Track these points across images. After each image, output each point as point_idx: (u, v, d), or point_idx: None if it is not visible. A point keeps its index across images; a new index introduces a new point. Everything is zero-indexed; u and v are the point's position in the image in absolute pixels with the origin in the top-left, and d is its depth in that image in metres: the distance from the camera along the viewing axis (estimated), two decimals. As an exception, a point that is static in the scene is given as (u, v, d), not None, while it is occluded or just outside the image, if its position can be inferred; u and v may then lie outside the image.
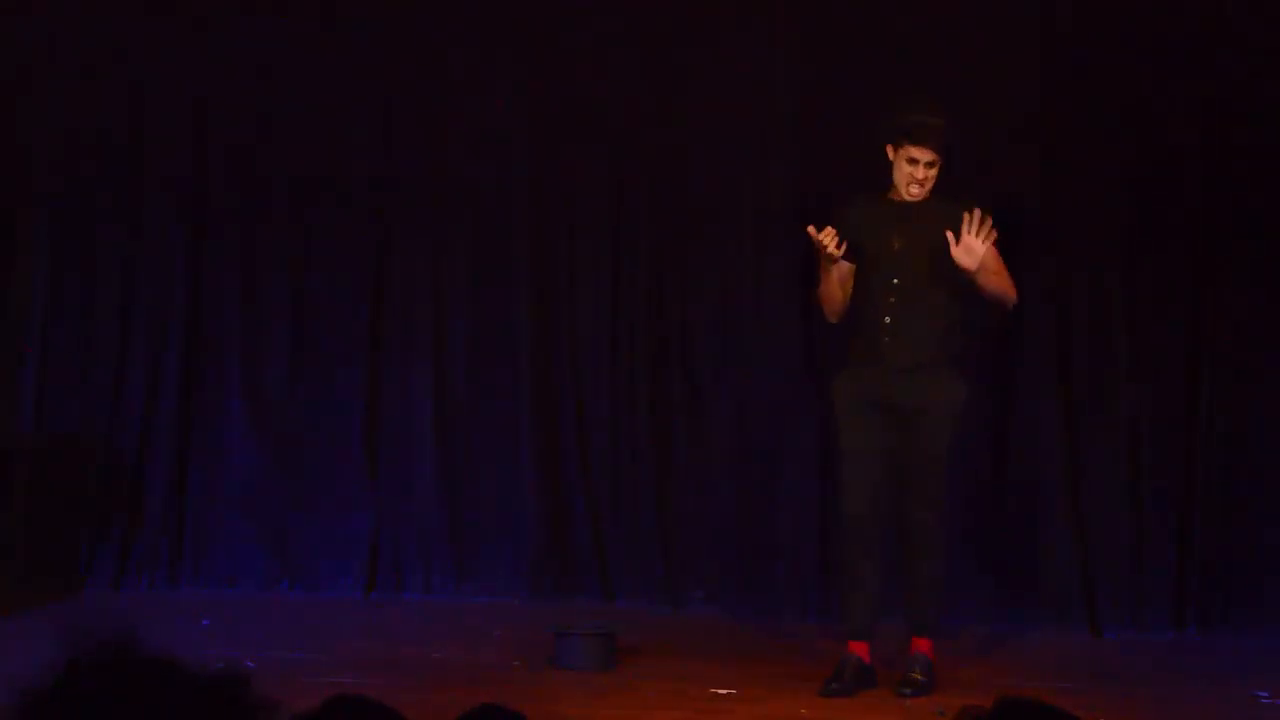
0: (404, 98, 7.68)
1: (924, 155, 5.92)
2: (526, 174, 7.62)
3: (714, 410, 7.48)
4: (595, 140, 7.56)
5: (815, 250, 5.95)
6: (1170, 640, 7.05)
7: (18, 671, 1.81)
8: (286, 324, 7.73)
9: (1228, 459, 7.08)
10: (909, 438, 5.98)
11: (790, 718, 5.73)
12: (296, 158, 7.69)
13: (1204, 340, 7.11)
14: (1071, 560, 7.16)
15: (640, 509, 7.53)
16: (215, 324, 7.76)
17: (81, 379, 7.71)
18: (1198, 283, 7.12)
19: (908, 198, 5.99)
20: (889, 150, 6.01)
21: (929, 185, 5.97)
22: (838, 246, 5.89)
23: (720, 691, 6.01)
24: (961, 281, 5.94)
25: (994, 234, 5.87)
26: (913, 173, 5.94)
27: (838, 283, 6.06)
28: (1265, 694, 6.15)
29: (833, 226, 5.92)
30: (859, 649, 6.05)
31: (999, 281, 6.01)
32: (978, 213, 5.85)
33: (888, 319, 6.00)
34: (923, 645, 6.06)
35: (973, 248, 5.85)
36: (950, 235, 5.84)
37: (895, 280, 6.00)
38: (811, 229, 5.89)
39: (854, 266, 6.11)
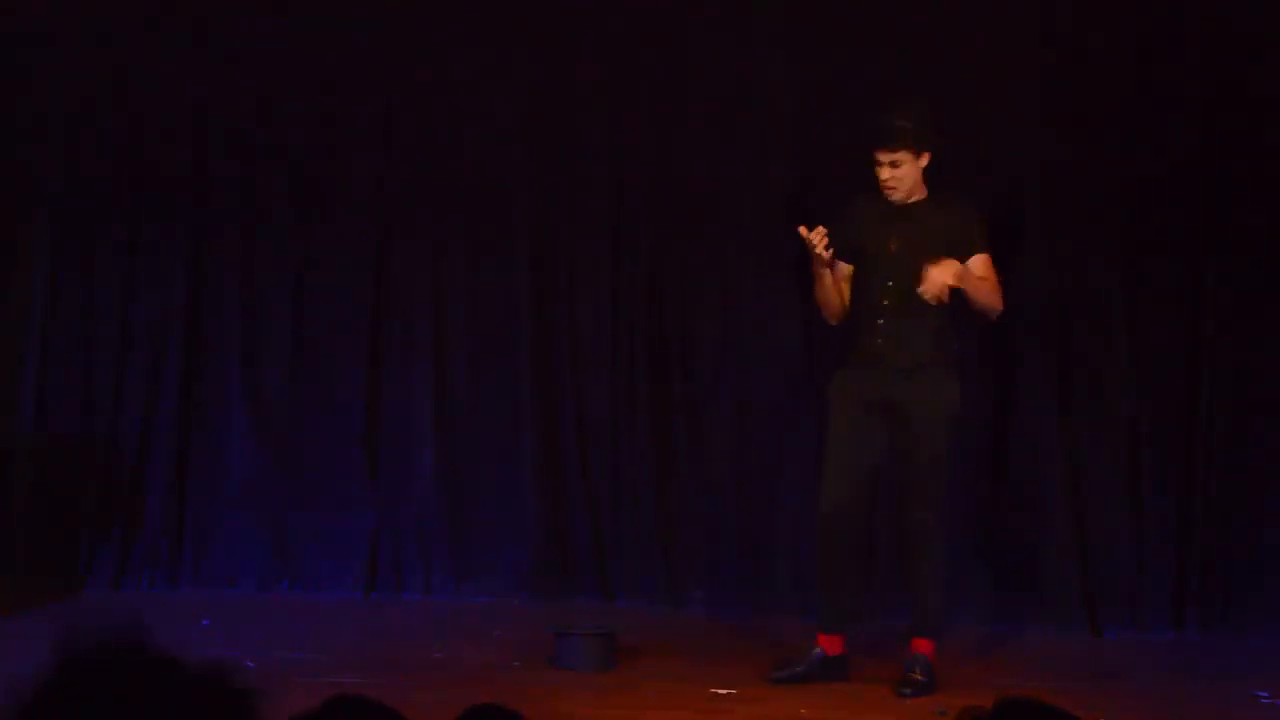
0: (404, 98, 7.68)
1: (885, 156, 5.98)
2: (526, 174, 7.62)
3: (714, 410, 7.48)
4: (595, 140, 7.57)
5: (808, 251, 5.98)
6: (1170, 640, 7.05)
7: (17, 671, 1.80)
8: (286, 324, 7.73)
9: (1228, 459, 7.08)
10: (907, 439, 5.99)
11: (790, 718, 5.73)
12: (296, 158, 7.69)
13: (1204, 340, 7.11)
14: (1071, 560, 7.16)
15: (640, 509, 7.53)
16: (215, 324, 7.76)
17: (81, 379, 7.71)
18: (1198, 282, 7.12)
19: (890, 199, 6.01)
20: None
21: (901, 185, 6.01)
22: (827, 248, 5.91)
23: (720, 691, 6.01)
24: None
25: (954, 267, 5.88)
26: (879, 173, 5.99)
27: (834, 286, 6.08)
28: (1265, 694, 6.15)
29: (833, 226, 5.96)
30: (826, 641, 6.11)
31: (986, 291, 6.01)
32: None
33: (882, 320, 6.04)
34: (923, 646, 6.06)
35: (933, 279, 5.88)
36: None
37: (890, 282, 6.02)
38: (802, 229, 5.91)
39: (853, 268, 6.13)
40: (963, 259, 5.98)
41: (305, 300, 7.74)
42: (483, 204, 7.66)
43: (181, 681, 1.77)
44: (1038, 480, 7.22)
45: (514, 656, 6.45)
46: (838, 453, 6.07)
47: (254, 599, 7.55)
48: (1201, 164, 7.10)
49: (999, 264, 6.19)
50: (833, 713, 5.79)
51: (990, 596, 7.21)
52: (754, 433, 7.42)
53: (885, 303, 6.02)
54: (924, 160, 6.01)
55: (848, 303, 6.14)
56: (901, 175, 5.97)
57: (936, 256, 5.92)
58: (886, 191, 6.02)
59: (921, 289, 5.89)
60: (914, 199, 6.06)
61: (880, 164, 5.99)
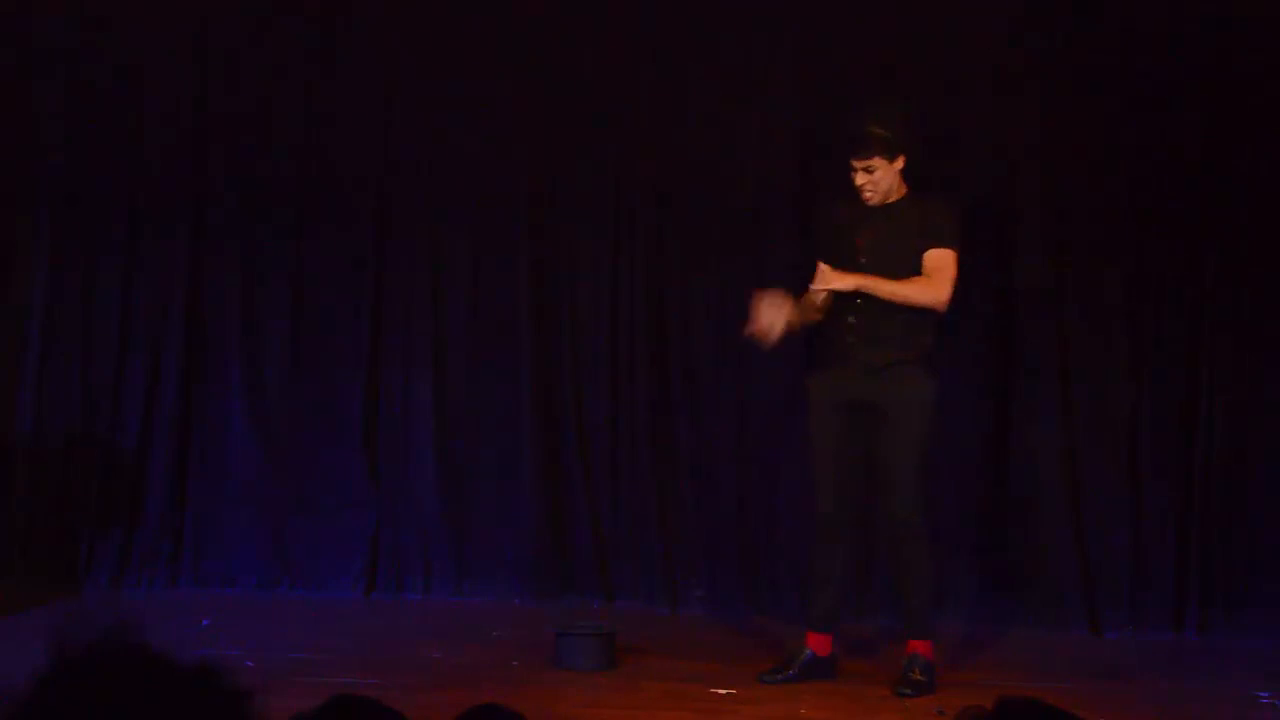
0: (404, 98, 7.68)
1: (860, 164, 6.05)
2: (526, 174, 7.61)
3: (714, 410, 7.48)
4: (595, 140, 7.56)
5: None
6: (1170, 640, 7.05)
7: (16, 671, 1.80)
8: (286, 324, 7.73)
9: (1228, 459, 7.08)
10: (880, 438, 6.01)
11: (790, 718, 5.73)
12: (297, 158, 7.69)
13: (1204, 340, 7.11)
14: (1071, 560, 7.16)
15: (640, 509, 7.53)
16: (215, 324, 7.76)
17: (81, 379, 7.71)
18: (1198, 282, 7.12)
19: (868, 203, 6.07)
20: None
21: (877, 189, 6.05)
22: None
23: (720, 691, 6.01)
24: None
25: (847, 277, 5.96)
26: (855, 179, 6.06)
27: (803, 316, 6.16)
28: (1265, 694, 6.14)
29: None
30: (815, 641, 6.15)
31: (902, 295, 5.97)
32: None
33: (852, 319, 6.09)
34: (919, 646, 6.07)
35: (823, 280, 5.98)
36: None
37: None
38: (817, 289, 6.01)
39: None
40: (920, 253, 5.99)
41: (305, 300, 7.73)
42: (483, 203, 7.66)
43: (177, 681, 1.77)
44: (1038, 479, 7.22)
45: (514, 656, 6.45)
46: (821, 455, 6.13)
47: (254, 599, 7.55)
48: (1202, 164, 7.10)
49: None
50: (833, 713, 5.80)
51: (991, 596, 7.21)
52: (753, 434, 7.42)
53: (856, 301, 6.06)
54: (899, 163, 6.05)
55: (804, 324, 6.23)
56: (877, 180, 6.04)
57: (901, 254, 5.96)
58: (864, 196, 6.08)
59: (813, 286, 5.97)
60: (892, 199, 6.08)
61: (855, 170, 6.06)
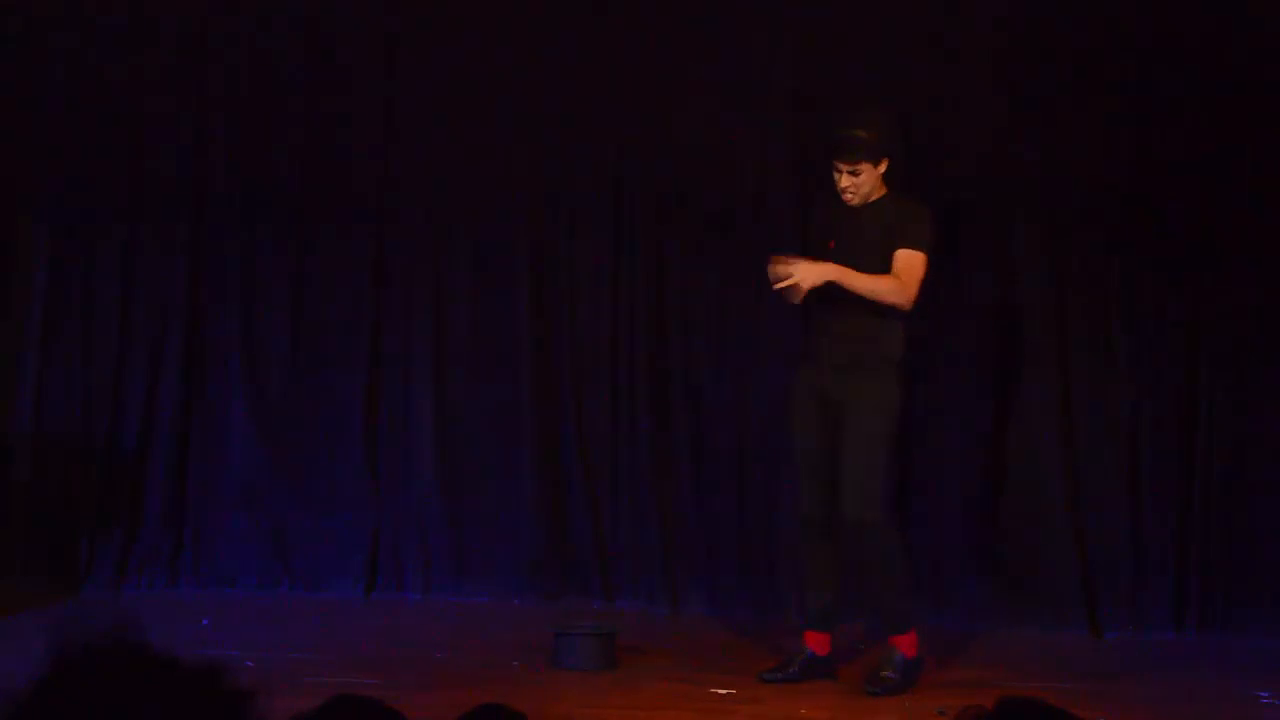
0: (404, 98, 7.68)
1: (843, 165, 6.06)
2: (526, 174, 7.62)
3: (714, 410, 7.48)
4: (595, 140, 7.57)
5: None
6: (1170, 640, 7.05)
7: (17, 671, 1.80)
8: (286, 324, 7.73)
9: (1228, 459, 7.08)
10: (841, 437, 6.02)
11: (790, 718, 5.73)
12: (297, 157, 7.69)
13: (1204, 340, 7.11)
14: (1071, 560, 7.16)
15: (640, 509, 7.53)
16: (215, 324, 7.75)
17: (81, 379, 7.71)
18: (1198, 283, 7.12)
19: (849, 204, 6.09)
20: None
21: (859, 191, 6.06)
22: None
23: (720, 691, 6.01)
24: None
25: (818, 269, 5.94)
26: (838, 180, 6.07)
27: None
28: (1265, 694, 6.15)
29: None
30: (812, 640, 6.16)
31: (871, 290, 5.97)
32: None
33: (823, 318, 6.15)
34: (898, 641, 6.08)
35: (798, 271, 5.95)
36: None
37: (829, 286, 6.04)
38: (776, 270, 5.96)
39: None
40: (889, 253, 6.00)
41: (305, 300, 7.73)
42: (483, 203, 7.66)
43: (179, 682, 1.77)
44: (1038, 480, 7.22)
45: (514, 656, 6.45)
46: (801, 454, 6.17)
47: (254, 599, 7.55)
48: (1203, 163, 7.09)
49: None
50: (833, 713, 5.80)
51: (990, 596, 7.21)
52: (753, 434, 7.41)
53: (825, 300, 6.09)
54: (883, 166, 6.07)
55: None
56: (860, 183, 6.07)
57: (870, 254, 5.98)
58: (844, 198, 6.09)
59: (779, 273, 5.94)
60: (871, 200, 6.09)
61: (840, 172, 6.07)
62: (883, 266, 6.02)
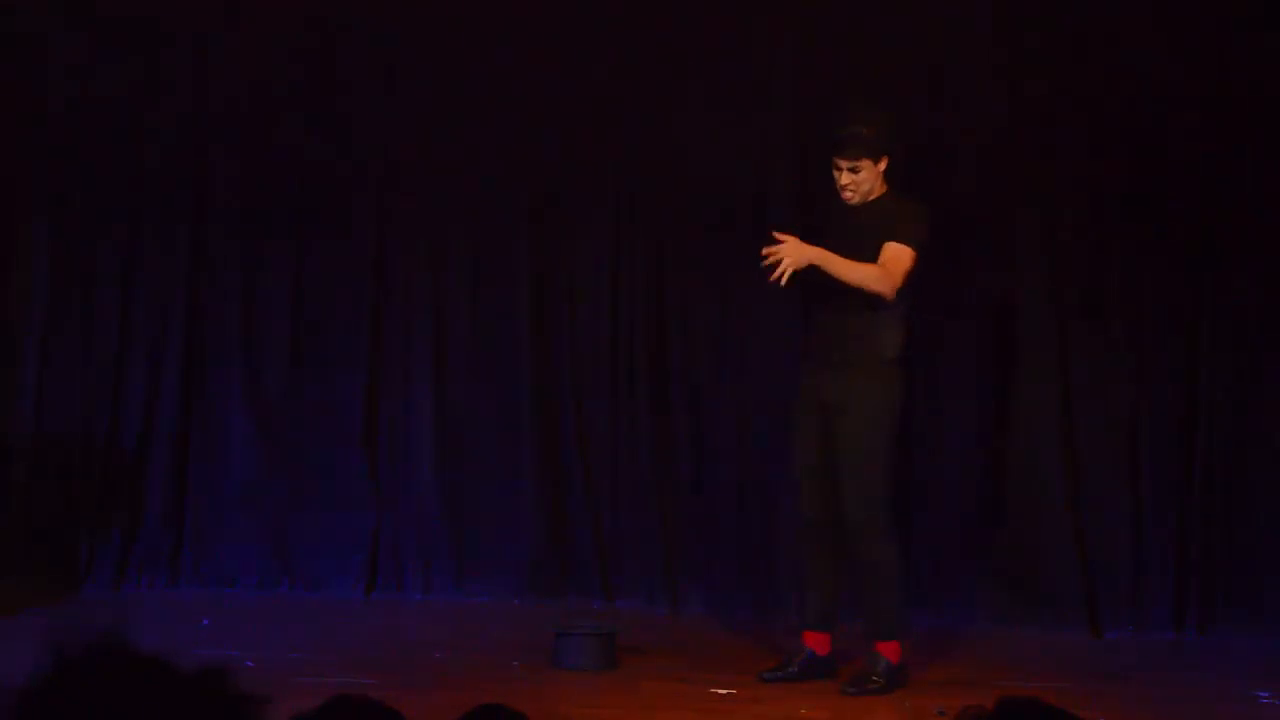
0: (404, 98, 7.68)
1: (844, 162, 6.05)
2: (526, 175, 7.61)
3: (714, 410, 7.48)
4: (595, 141, 7.56)
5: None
6: (1170, 640, 7.05)
7: (16, 671, 1.80)
8: (286, 324, 7.72)
9: (1227, 459, 7.08)
10: (837, 437, 6.02)
11: (790, 718, 5.73)
12: (297, 158, 7.69)
13: (1204, 340, 7.11)
14: (1071, 560, 7.16)
15: (640, 509, 7.53)
16: (215, 324, 7.75)
17: (81, 379, 7.71)
18: (1198, 282, 7.12)
19: (848, 203, 6.09)
20: None
21: (859, 190, 6.06)
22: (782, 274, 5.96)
23: (720, 691, 6.01)
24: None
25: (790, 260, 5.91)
26: (838, 178, 6.07)
27: None
28: (1265, 694, 6.15)
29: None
30: (812, 640, 6.16)
31: (856, 277, 5.94)
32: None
33: (820, 317, 6.17)
34: (883, 648, 6.07)
35: (787, 250, 5.92)
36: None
37: (823, 280, 6.04)
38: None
39: None
40: (879, 246, 5.98)
41: (305, 300, 7.73)
42: (483, 203, 7.66)
43: (178, 685, 1.77)
44: (1038, 480, 7.22)
45: (514, 656, 6.45)
46: (801, 453, 6.17)
47: (254, 599, 7.55)
48: (1203, 162, 7.10)
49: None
50: (833, 712, 5.80)
51: (990, 596, 7.21)
52: (753, 434, 7.41)
53: (820, 300, 6.11)
54: (883, 164, 6.07)
55: None
56: (860, 180, 6.06)
57: (865, 252, 5.96)
58: (844, 196, 6.09)
59: (773, 251, 5.92)
60: (870, 199, 6.09)
61: (840, 169, 6.06)
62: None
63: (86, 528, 7.61)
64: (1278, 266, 7.06)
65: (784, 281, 5.96)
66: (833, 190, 6.13)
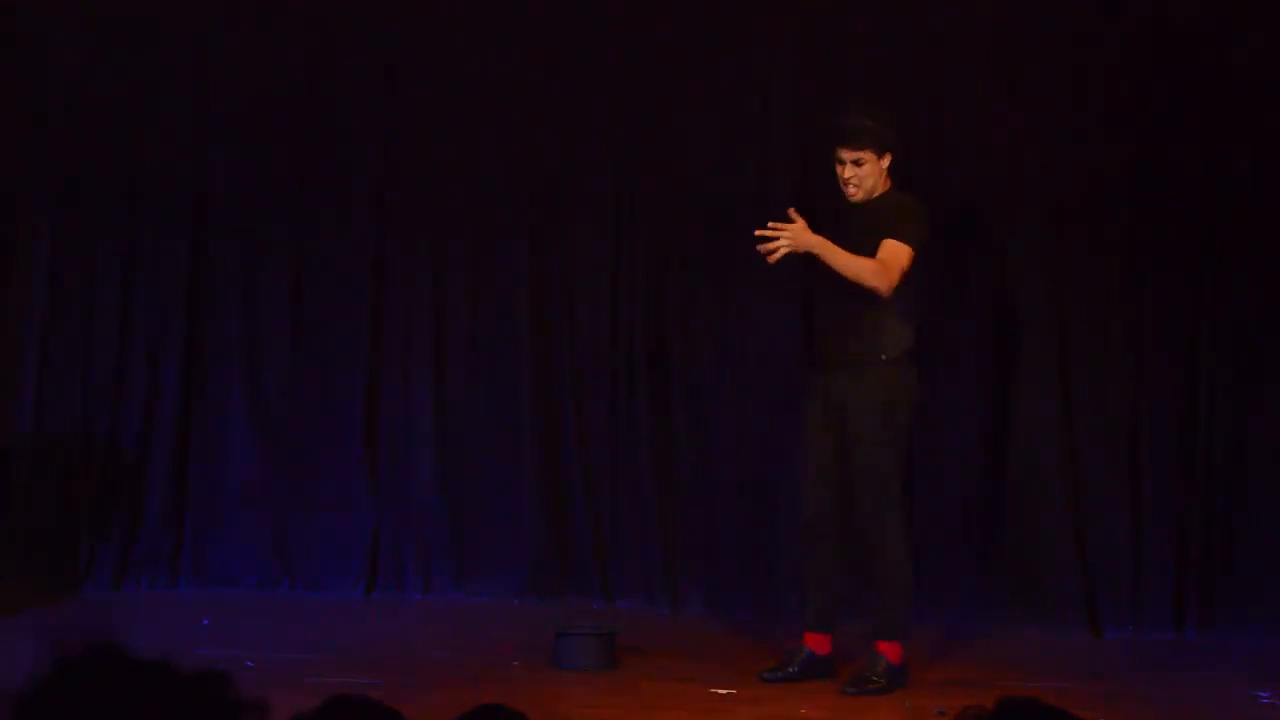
0: (404, 98, 7.68)
1: (847, 155, 6.02)
2: (526, 174, 7.62)
3: (714, 410, 7.48)
4: (595, 140, 7.57)
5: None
6: (1170, 640, 7.05)
7: (17, 671, 1.80)
8: (286, 324, 7.73)
9: (1228, 460, 7.08)
10: (846, 437, 6.02)
11: (790, 718, 5.73)
12: (297, 158, 7.69)
13: (1204, 340, 7.11)
14: (1071, 560, 7.16)
15: (640, 509, 7.53)
16: (215, 324, 7.76)
17: (81, 379, 7.71)
18: (1198, 282, 7.12)
19: (851, 198, 6.06)
20: None
21: (863, 185, 6.03)
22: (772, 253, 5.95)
23: (720, 691, 6.01)
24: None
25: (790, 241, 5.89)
26: (841, 172, 6.05)
27: None
28: (1265, 694, 6.14)
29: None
30: (812, 640, 6.16)
31: (853, 269, 5.92)
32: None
33: (826, 317, 6.17)
34: (884, 648, 6.06)
35: (790, 233, 5.90)
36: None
37: (827, 279, 6.05)
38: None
39: None
40: (878, 243, 5.97)
41: (305, 300, 7.74)
42: (483, 203, 7.66)
43: (171, 691, 1.77)
44: (1038, 480, 7.22)
45: (514, 656, 6.45)
46: (807, 453, 6.16)
47: (254, 599, 7.55)
48: (1202, 163, 7.10)
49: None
50: (833, 713, 5.80)
51: (990, 596, 7.21)
52: (753, 434, 7.42)
53: (825, 300, 6.11)
54: (886, 161, 6.04)
55: None
56: (864, 174, 6.03)
57: (868, 251, 5.94)
58: (848, 191, 6.06)
59: (778, 231, 5.90)
60: (874, 196, 6.07)
61: (843, 163, 6.04)
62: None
63: (86, 528, 7.61)
64: (1278, 267, 7.06)
65: (771, 259, 5.93)
66: (838, 191, 6.10)
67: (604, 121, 7.56)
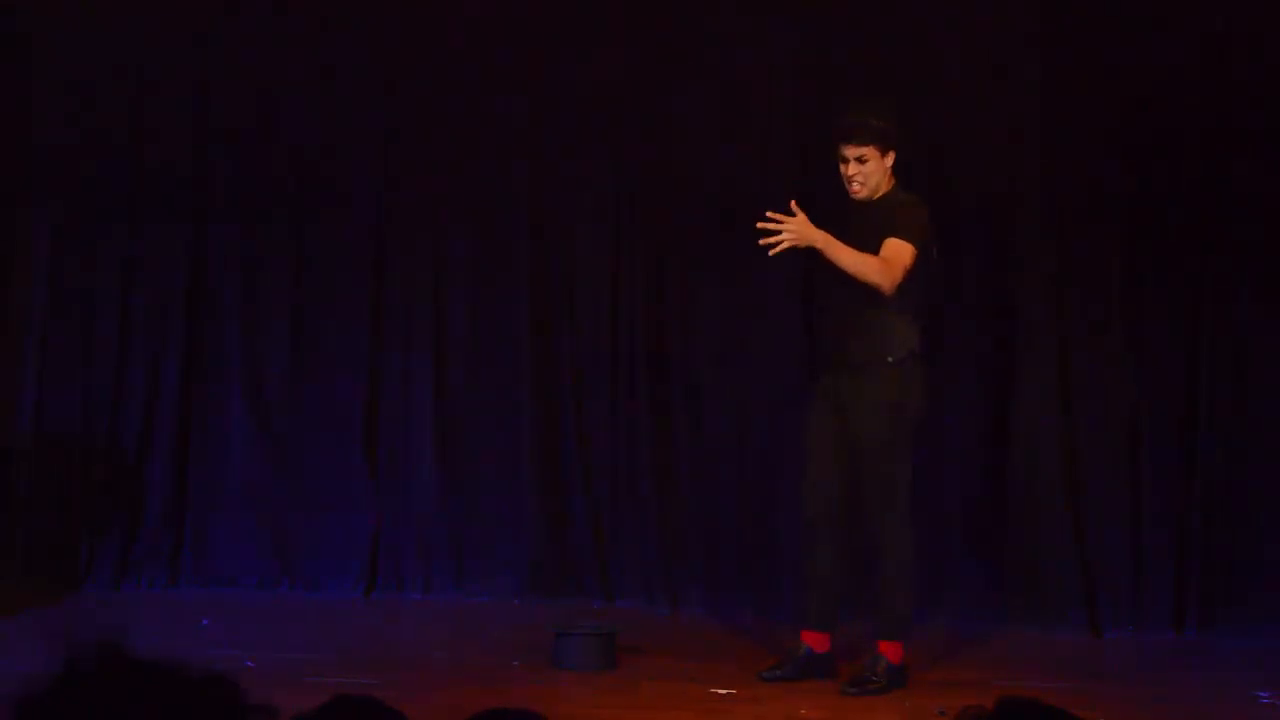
0: (404, 98, 7.68)
1: (852, 151, 5.99)
2: (526, 174, 7.62)
3: (714, 410, 7.48)
4: (595, 140, 7.57)
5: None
6: (1170, 640, 7.05)
7: (18, 671, 1.80)
8: (286, 324, 7.73)
9: (1228, 460, 7.08)
10: (852, 439, 6.01)
11: (790, 718, 5.73)
12: (297, 158, 7.69)
13: (1204, 340, 7.11)
14: (1071, 560, 7.16)
15: (640, 509, 7.53)
16: (215, 324, 7.76)
17: (81, 379, 7.71)
18: (1198, 282, 7.12)
19: (855, 196, 6.04)
20: None
21: (867, 182, 6.01)
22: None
23: (720, 691, 6.01)
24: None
25: (794, 234, 5.86)
26: (844, 169, 6.03)
27: None
28: (1265, 694, 6.14)
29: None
30: (811, 639, 6.15)
31: (855, 266, 5.89)
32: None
33: (832, 317, 6.16)
34: (885, 648, 6.06)
35: (793, 226, 5.86)
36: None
37: (830, 279, 6.04)
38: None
39: None
40: (880, 242, 5.95)
41: (305, 300, 7.74)
42: (483, 202, 7.66)
43: (176, 694, 1.76)
44: (1038, 480, 7.22)
45: (514, 656, 6.45)
46: (808, 453, 6.15)
47: (254, 599, 7.55)
48: (1203, 162, 7.10)
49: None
50: (832, 712, 5.80)
51: (990, 596, 7.21)
52: (754, 433, 7.42)
53: (829, 300, 6.11)
54: (890, 158, 6.02)
55: None
56: (868, 171, 6.00)
57: (866, 249, 5.91)
58: (851, 189, 6.03)
59: (781, 224, 5.87)
60: (878, 195, 6.06)
61: (847, 159, 6.01)
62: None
63: (86, 528, 7.61)
64: (1278, 267, 7.06)
65: (773, 252, 5.91)
66: (839, 191, 6.09)
67: (604, 121, 7.56)
